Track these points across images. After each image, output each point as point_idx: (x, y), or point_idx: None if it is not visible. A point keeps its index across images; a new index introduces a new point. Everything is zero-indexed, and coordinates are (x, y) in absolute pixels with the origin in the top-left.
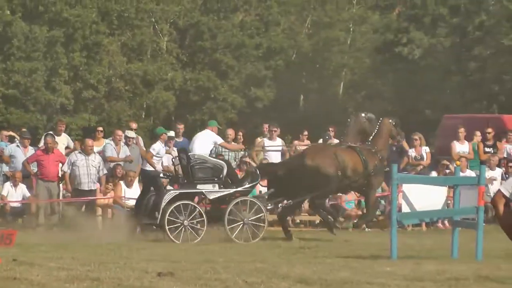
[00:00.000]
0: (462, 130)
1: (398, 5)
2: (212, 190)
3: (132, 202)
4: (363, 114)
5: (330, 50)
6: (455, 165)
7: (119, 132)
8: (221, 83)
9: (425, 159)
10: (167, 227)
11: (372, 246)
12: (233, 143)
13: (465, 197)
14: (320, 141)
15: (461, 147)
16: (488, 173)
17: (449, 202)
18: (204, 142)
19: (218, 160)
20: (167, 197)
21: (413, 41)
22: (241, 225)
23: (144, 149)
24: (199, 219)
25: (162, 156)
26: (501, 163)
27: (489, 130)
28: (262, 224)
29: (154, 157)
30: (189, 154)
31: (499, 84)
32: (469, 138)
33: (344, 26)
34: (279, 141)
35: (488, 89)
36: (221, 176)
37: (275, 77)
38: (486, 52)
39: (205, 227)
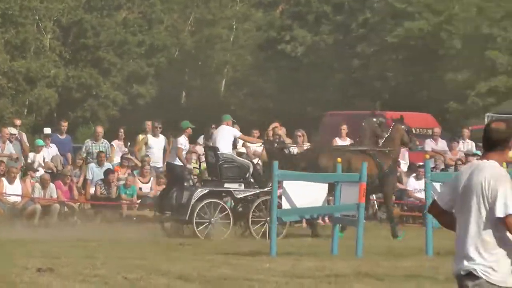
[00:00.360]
0: (344, 127)
1: (282, 2)
2: (239, 189)
3: (14, 199)
4: (374, 119)
5: (213, 48)
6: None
7: (6, 131)
8: (103, 80)
9: None
10: (195, 224)
11: (251, 243)
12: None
13: (346, 194)
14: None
15: (342, 144)
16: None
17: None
18: (226, 139)
19: (245, 160)
20: (197, 194)
21: (296, 39)
22: (264, 223)
23: (28, 145)
24: (225, 217)
25: (186, 150)
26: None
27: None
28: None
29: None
30: (218, 153)
31: (382, 81)
32: (351, 135)
33: (227, 24)
34: (162, 138)
35: (371, 86)
36: (247, 175)
37: (157, 74)
38: (370, 49)
39: (231, 225)
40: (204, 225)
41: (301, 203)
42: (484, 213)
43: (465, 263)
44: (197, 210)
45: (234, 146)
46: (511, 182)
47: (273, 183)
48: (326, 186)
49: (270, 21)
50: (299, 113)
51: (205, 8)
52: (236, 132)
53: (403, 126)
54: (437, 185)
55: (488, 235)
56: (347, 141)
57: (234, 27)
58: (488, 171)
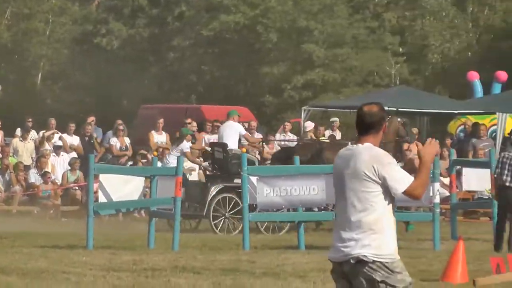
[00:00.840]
0: (161, 120)
1: None
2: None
3: None
4: (399, 119)
5: (30, 41)
6: (152, 156)
7: None
8: None
9: (129, 150)
10: (211, 219)
11: (69, 236)
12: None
13: (162, 187)
14: None
15: (158, 137)
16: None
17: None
18: (233, 135)
19: (251, 156)
20: (213, 190)
21: (112, 32)
22: None
23: None
24: (239, 212)
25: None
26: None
27: (189, 120)
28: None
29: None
30: (228, 149)
31: (197, 75)
32: (167, 128)
33: (43, 17)
34: None
35: (186, 80)
36: None
37: None
38: (185, 42)
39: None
40: (219, 219)
41: (117, 196)
42: (365, 196)
43: (348, 249)
44: (213, 205)
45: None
46: (390, 157)
47: (89, 176)
48: (142, 179)
49: (86, 15)
50: (115, 106)
51: (22, 2)
52: (241, 129)
53: (398, 119)
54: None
55: (369, 218)
56: (163, 135)
57: (51, 20)
58: (367, 153)
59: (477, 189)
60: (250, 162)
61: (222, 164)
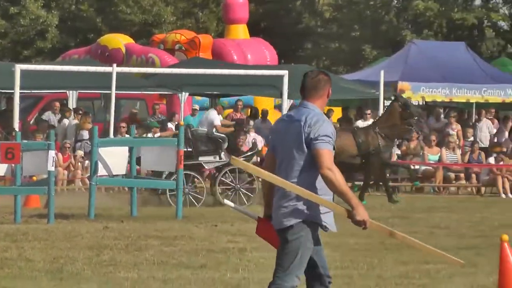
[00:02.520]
0: None
1: None
2: (210, 161)
3: None
4: (399, 103)
5: None
6: None
7: None
8: None
9: None
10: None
11: None
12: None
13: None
14: None
15: None
16: None
17: None
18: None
19: (219, 134)
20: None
21: None
22: (233, 191)
23: None
24: (200, 187)
25: None
26: None
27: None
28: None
29: None
30: (192, 129)
31: None
32: None
33: None
34: None
35: None
36: (222, 149)
37: None
38: None
39: (205, 194)
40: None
41: None
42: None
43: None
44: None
45: None
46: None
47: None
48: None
49: None
50: None
51: None
52: (217, 121)
53: (399, 103)
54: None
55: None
56: None
57: None
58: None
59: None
60: (217, 142)
61: (190, 144)
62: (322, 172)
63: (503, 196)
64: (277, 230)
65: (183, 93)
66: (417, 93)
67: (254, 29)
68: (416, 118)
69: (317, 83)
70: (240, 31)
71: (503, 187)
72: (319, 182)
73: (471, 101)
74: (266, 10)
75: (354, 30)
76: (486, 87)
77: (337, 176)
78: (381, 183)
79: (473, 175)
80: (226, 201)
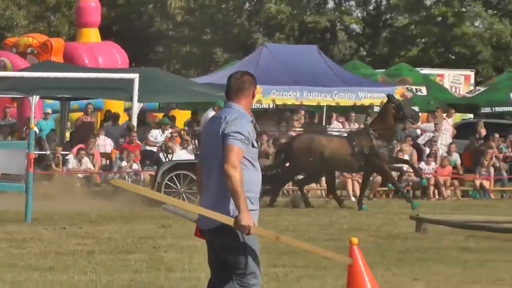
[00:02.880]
0: None
1: None
2: None
3: None
4: (393, 104)
5: None
6: None
7: None
8: None
9: None
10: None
11: None
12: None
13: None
14: None
15: None
16: None
17: None
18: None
19: None
20: (162, 168)
21: None
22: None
23: None
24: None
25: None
26: None
27: None
28: None
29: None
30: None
31: None
32: None
33: None
34: None
35: None
36: None
37: None
38: None
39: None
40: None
41: None
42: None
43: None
44: (165, 181)
45: None
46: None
47: None
48: None
49: None
50: None
51: None
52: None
53: (393, 104)
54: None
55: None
56: None
57: None
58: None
59: None
60: None
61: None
62: (225, 167)
63: (353, 199)
64: (210, 230)
65: (34, 96)
66: (268, 96)
67: (106, 33)
68: (410, 120)
69: (242, 84)
70: (92, 35)
71: (353, 190)
72: (245, 179)
73: (321, 104)
74: (118, 14)
75: (205, 34)
76: (337, 90)
77: (238, 176)
78: (391, 185)
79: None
80: (164, 206)
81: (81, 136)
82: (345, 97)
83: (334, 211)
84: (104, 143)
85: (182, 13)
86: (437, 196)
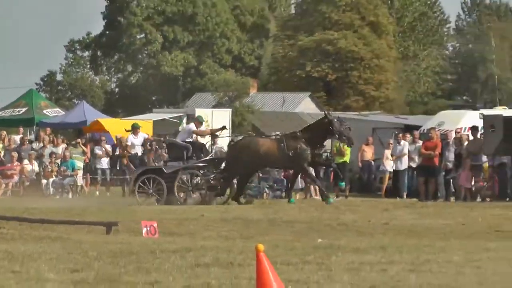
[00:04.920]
0: None
1: None
2: (169, 166)
3: None
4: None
5: None
6: None
7: None
8: None
9: None
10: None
11: None
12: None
13: None
14: None
15: None
16: None
17: None
18: (184, 133)
19: (184, 143)
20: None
21: None
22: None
23: None
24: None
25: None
26: None
27: None
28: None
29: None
30: (163, 139)
31: None
32: None
33: None
34: None
35: None
36: (188, 154)
37: None
38: None
39: (165, 194)
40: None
41: None
42: None
43: None
44: (137, 184)
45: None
46: None
47: None
48: None
49: None
50: None
51: None
52: (193, 127)
53: (326, 120)
54: None
55: None
56: None
57: None
58: None
59: None
60: (183, 149)
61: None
62: None
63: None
64: None
65: None
66: None
67: None
68: (337, 136)
69: None
70: None
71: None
72: None
73: None
74: None
75: None
76: None
77: None
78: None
79: None
80: None
81: None
82: None
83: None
84: None
85: None
86: None
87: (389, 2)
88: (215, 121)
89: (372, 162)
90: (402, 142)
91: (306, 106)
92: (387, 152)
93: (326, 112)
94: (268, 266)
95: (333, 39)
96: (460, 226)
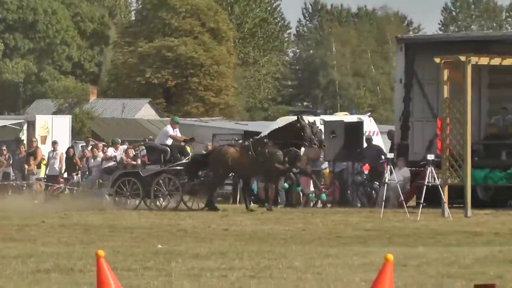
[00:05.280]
0: None
1: None
2: (146, 170)
3: None
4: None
5: None
6: None
7: None
8: None
9: None
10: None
11: None
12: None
13: None
14: None
15: None
16: None
17: None
18: (162, 135)
19: (162, 147)
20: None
21: None
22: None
23: None
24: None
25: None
26: None
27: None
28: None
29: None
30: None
31: None
32: None
33: None
34: None
35: None
36: (166, 158)
37: None
38: None
39: (141, 197)
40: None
41: None
42: None
43: None
44: (115, 186)
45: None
46: None
47: None
48: None
49: None
50: None
51: None
52: (170, 131)
53: (298, 124)
54: None
55: None
56: None
57: None
58: None
59: None
60: (162, 152)
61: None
62: None
63: None
64: None
65: None
66: None
67: None
68: (308, 142)
69: None
70: None
71: None
72: None
73: None
74: None
75: None
76: None
77: None
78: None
79: None
80: None
81: None
82: None
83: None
84: None
85: None
86: None
87: (229, 8)
88: (55, 128)
89: None
90: None
91: (146, 113)
92: None
93: (299, 117)
94: (109, 272)
95: (173, 46)
96: (300, 232)
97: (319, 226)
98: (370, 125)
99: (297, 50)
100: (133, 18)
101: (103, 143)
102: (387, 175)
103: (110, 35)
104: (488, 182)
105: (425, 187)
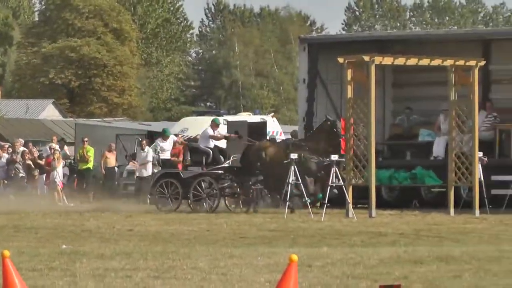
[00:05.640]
0: None
1: None
2: (186, 172)
3: None
4: (328, 122)
5: None
6: None
7: None
8: None
9: None
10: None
11: None
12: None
13: None
14: None
15: None
16: None
17: None
18: (204, 136)
19: (205, 148)
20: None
21: None
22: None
23: None
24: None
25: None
26: None
27: None
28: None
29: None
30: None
31: None
32: None
33: None
34: None
35: None
36: (208, 160)
37: None
38: None
39: (180, 199)
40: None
41: None
42: None
43: None
44: (156, 187)
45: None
46: None
47: None
48: None
49: None
50: None
51: None
52: (210, 132)
53: (328, 122)
54: None
55: None
56: None
57: None
58: None
59: None
60: (204, 154)
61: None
62: None
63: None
64: None
65: None
66: None
67: None
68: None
69: None
70: None
71: None
72: None
73: None
74: None
75: None
76: None
77: None
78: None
79: None
80: None
81: None
82: None
83: None
84: None
85: None
86: None
87: (132, 9)
88: None
89: (116, 169)
90: (146, 148)
91: (49, 113)
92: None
93: (327, 115)
94: (14, 272)
95: (76, 46)
96: (205, 232)
97: (223, 227)
98: (273, 125)
99: (200, 51)
100: (37, 18)
101: (8, 143)
102: (291, 175)
103: (14, 35)
104: (393, 183)
105: (329, 187)
